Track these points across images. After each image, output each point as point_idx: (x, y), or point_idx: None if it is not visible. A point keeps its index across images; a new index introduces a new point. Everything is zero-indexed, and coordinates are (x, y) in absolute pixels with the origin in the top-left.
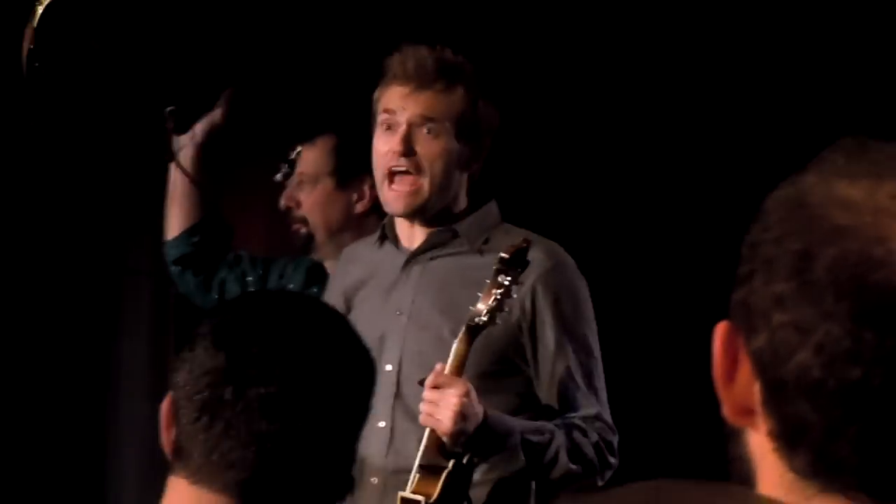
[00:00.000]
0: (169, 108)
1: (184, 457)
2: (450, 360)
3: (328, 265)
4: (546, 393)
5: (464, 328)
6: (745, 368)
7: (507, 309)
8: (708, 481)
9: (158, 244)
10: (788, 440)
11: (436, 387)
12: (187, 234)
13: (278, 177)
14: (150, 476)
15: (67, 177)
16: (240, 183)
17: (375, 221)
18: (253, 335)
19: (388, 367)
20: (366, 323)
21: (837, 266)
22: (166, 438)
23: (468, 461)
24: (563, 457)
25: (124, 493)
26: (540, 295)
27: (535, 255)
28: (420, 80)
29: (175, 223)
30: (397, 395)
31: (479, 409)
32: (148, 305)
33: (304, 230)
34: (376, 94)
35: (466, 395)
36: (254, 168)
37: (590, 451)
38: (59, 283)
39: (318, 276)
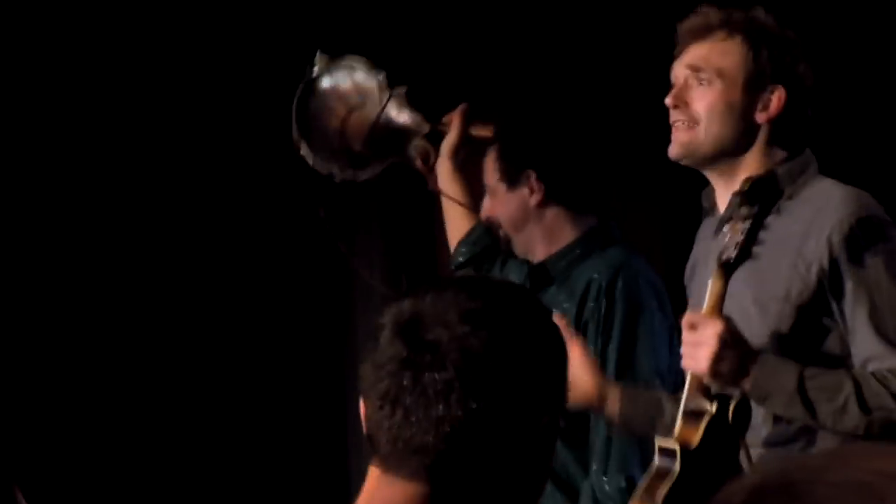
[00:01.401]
0: (415, 144)
1: (374, 446)
2: (706, 299)
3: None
4: (852, 351)
5: (716, 265)
6: None
7: (760, 241)
8: None
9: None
10: None
11: (692, 328)
12: (459, 245)
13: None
14: None
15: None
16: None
17: (554, 210)
18: (429, 322)
19: None
20: (695, 297)
21: None
22: (365, 429)
23: (739, 407)
24: (854, 406)
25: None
26: (836, 245)
27: (833, 204)
28: (692, 35)
29: (452, 236)
30: None
31: (743, 348)
32: (381, 274)
33: (503, 234)
34: None
35: (724, 333)
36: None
37: (889, 402)
38: (299, 264)
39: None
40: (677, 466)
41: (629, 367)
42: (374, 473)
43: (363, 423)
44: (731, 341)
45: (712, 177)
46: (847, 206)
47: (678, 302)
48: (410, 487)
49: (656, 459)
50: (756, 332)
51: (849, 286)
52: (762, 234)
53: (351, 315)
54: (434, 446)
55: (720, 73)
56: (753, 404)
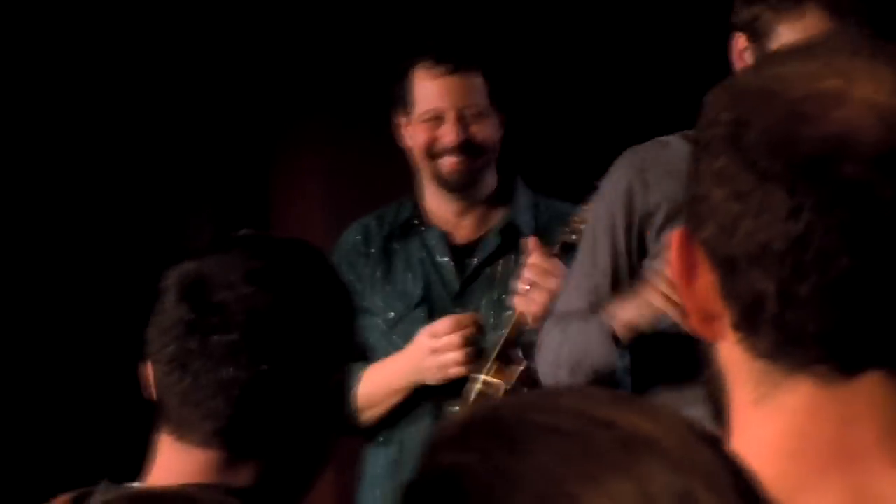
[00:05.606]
0: None
1: (164, 414)
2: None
3: None
4: None
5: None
6: (703, 268)
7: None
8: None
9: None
10: (749, 320)
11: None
12: None
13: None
14: None
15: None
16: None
17: None
18: (214, 283)
19: None
20: None
21: (769, 127)
22: (154, 395)
23: None
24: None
25: None
26: None
27: None
28: None
29: None
30: None
31: None
32: None
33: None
34: None
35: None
36: None
37: None
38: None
39: None
40: None
41: None
42: (165, 442)
43: (151, 389)
44: None
45: None
46: None
47: None
48: (204, 454)
49: None
50: None
51: None
52: None
53: None
54: (224, 410)
55: None
56: None
